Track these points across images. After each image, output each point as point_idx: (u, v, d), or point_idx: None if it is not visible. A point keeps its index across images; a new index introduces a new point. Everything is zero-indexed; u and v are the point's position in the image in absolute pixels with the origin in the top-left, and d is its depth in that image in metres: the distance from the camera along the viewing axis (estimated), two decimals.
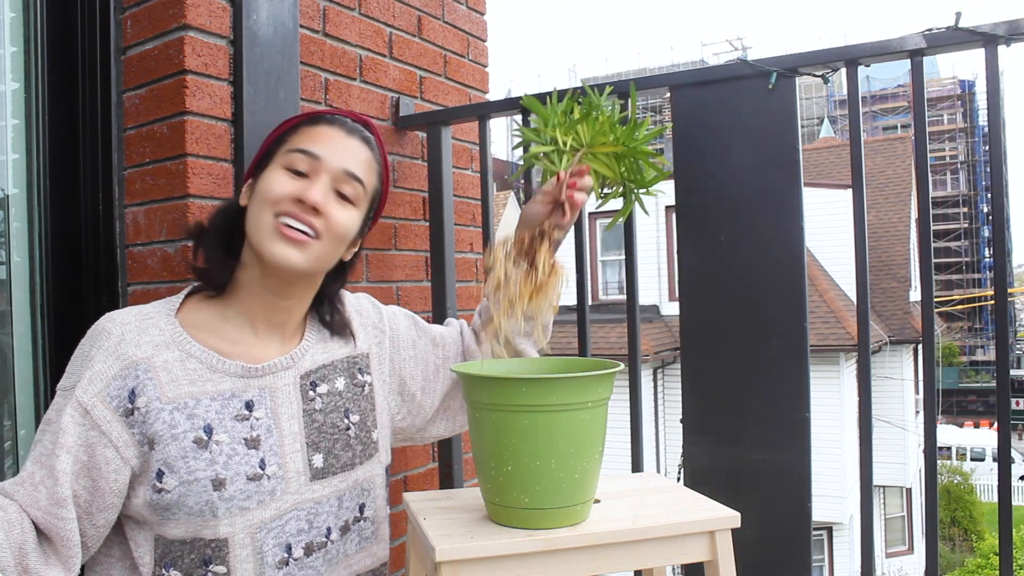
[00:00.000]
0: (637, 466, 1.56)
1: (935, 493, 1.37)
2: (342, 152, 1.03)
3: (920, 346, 4.84)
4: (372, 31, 1.78)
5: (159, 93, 1.40)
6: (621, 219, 1.31)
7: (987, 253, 31.80)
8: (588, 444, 0.97)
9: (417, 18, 1.91)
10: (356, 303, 1.20)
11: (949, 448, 21.63)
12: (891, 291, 13.64)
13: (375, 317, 1.19)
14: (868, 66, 1.40)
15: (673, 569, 2.78)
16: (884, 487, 13.39)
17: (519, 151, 1.28)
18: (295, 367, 1.06)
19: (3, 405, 1.43)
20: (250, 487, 0.97)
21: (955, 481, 16.57)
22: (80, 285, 1.48)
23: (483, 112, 1.81)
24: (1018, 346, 26.59)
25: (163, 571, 0.95)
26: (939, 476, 15.62)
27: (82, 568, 0.96)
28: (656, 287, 12.30)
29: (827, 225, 11.09)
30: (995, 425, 1.33)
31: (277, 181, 1.00)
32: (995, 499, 1.87)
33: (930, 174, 1.35)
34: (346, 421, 1.09)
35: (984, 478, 18.53)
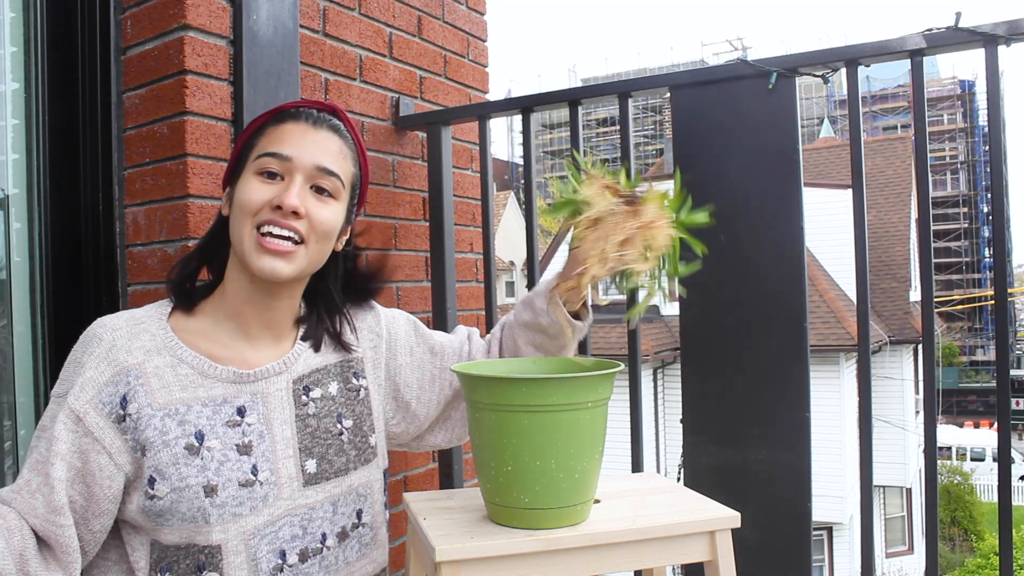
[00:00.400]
0: (637, 466, 1.56)
1: (935, 493, 1.37)
2: (311, 147, 1.00)
3: (920, 346, 4.84)
4: (372, 31, 1.78)
5: (159, 93, 1.40)
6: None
7: (987, 253, 31.81)
8: (588, 444, 0.97)
9: (417, 18, 1.91)
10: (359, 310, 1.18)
11: (949, 448, 21.62)
12: (891, 291, 13.65)
13: (372, 320, 1.18)
14: (868, 66, 1.40)
15: (673, 569, 2.78)
16: (884, 487, 13.39)
17: (519, 151, 1.25)
18: (288, 372, 1.05)
19: (3, 405, 1.43)
20: (242, 493, 0.97)
21: (955, 481, 16.56)
22: (80, 285, 1.48)
23: (483, 112, 1.81)
24: (1018, 346, 26.58)
25: None
26: (939, 476, 15.61)
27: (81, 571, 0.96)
28: None
29: (827, 225, 11.10)
30: (995, 425, 1.33)
31: (252, 190, 0.98)
32: (995, 499, 1.87)
33: (930, 174, 1.35)
34: (339, 426, 1.08)
35: (984, 478, 18.51)
